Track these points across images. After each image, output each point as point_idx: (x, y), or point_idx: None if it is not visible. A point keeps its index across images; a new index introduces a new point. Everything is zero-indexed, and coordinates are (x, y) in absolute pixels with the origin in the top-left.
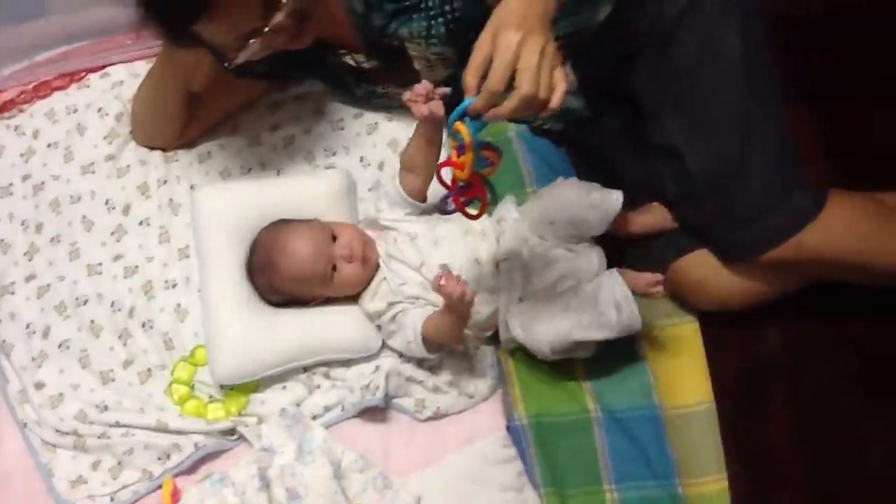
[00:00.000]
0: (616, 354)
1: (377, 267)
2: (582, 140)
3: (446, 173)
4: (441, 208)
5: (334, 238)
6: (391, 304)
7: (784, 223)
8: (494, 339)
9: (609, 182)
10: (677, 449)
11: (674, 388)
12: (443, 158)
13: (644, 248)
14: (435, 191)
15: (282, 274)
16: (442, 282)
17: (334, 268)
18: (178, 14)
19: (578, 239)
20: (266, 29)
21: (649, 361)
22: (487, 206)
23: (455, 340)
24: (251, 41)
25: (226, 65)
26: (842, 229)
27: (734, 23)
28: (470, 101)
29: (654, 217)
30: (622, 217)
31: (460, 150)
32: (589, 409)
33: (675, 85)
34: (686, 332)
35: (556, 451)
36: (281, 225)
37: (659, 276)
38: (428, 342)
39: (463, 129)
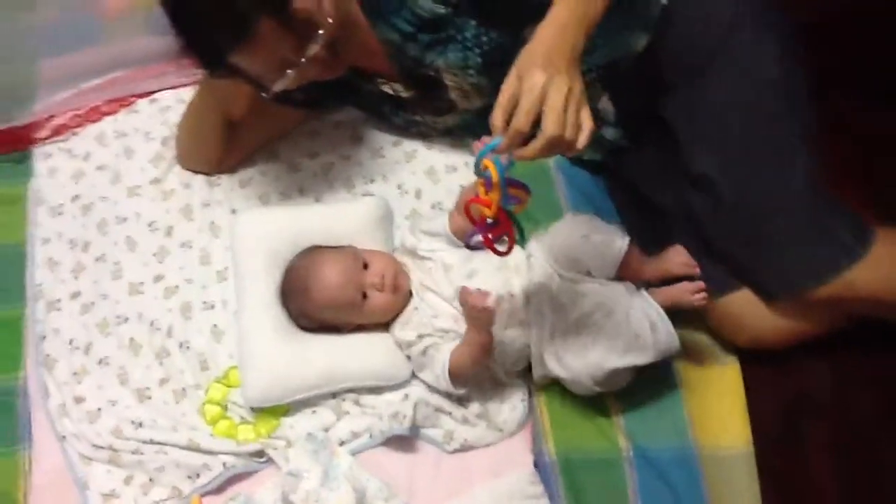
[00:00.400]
0: (651, 391)
1: (409, 296)
2: (620, 171)
3: (474, 210)
4: (468, 243)
5: (366, 266)
6: (421, 336)
7: (827, 260)
8: (527, 373)
9: (646, 213)
10: (713, 491)
11: (710, 430)
12: (471, 195)
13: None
14: None
15: (313, 300)
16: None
17: (365, 296)
18: (215, 44)
19: (589, 277)
20: (302, 60)
21: (686, 400)
22: (516, 243)
23: (479, 366)
24: (288, 72)
25: (263, 94)
26: (890, 268)
27: (771, 44)
28: (497, 140)
29: (670, 264)
30: (635, 263)
31: (488, 186)
32: (620, 447)
33: (710, 115)
34: (726, 372)
35: (584, 489)
36: (314, 251)
37: (700, 284)
38: (454, 376)
39: (491, 166)
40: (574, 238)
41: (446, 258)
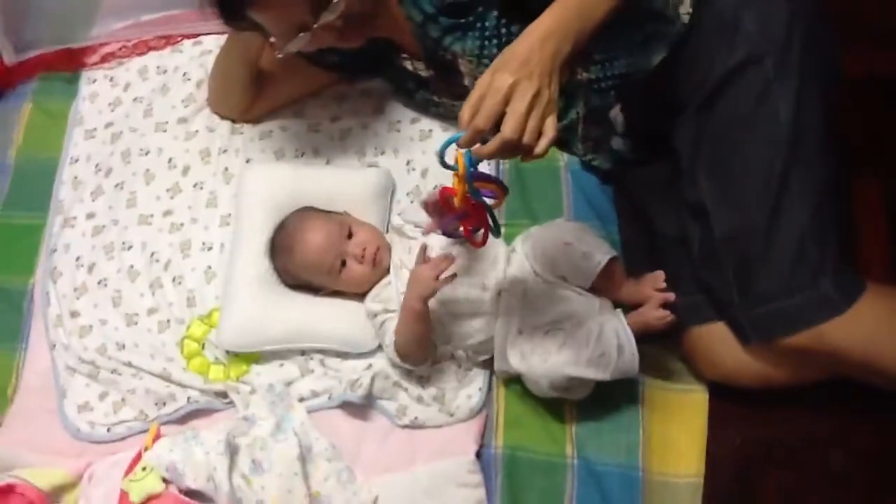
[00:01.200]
0: (611, 405)
1: (387, 271)
2: (626, 184)
3: (449, 199)
4: (444, 231)
5: (351, 235)
6: (386, 311)
7: (803, 310)
8: (490, 364)
9: (644, 229)
10: None
11: (665, 454)
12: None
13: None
14: None
15: (294, 259)
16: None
17: (343, 264)
18: None
19: (567, 283)
20: (315, 25)
21: (646, 421)
22: (491, 234)
23: (417, 340)
24: (300, 34)
25: (277, 53)
26: (872, 330)
27: (789, 87)
28: (460, 134)
29: (646, 289)
30: (614, 281)
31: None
32: (566, 454)
33: (713, 144)
34: (692, 400)
35: (522, 488)
36: (305, 212)
37: (664, 303)
38: (398, 349)
39: (460, 159)
40: (557, 243)
41: (429, 241)
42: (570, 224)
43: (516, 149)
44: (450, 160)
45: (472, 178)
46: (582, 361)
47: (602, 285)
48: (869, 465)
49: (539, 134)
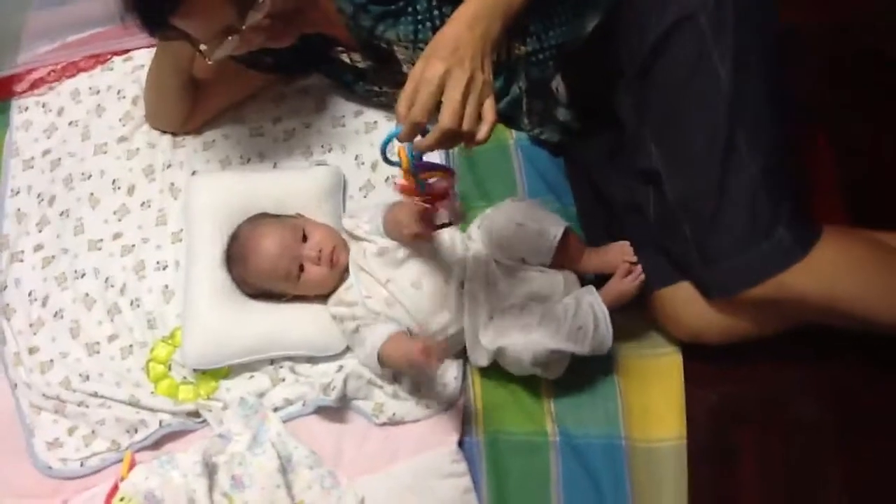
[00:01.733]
0: (586, 378)
1: (346, 272)
2: (576, 155)
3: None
4: (436, 224)
5: (306, 238)
6: (354, 317)
7: (761, 261)
8: (463, 353)
9: (599, 199)
10: (638, 484)
11: (645, 420)
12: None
13: None
14: None
15: (250, 268)
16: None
17: (301, 268)
18: (150, 9)
19: (528, 264)
20: (243, 27)
21: (622, 389)
22: (460, 215)
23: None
24: (229, 38)
25: (206, 60)
26: (831, 273)
27: (725, 43)
28: (399, 128)
29: (611, 257)
30: (574, 252)
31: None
32: (547, 432)
33: (657, 108)
34: (666, 364)
35: (507, 472)
36: (258, 220)
37: (635, 268)
38: (383, 364)
39: (402, 153)
40: (509, 225)
41: (382, 241)
42: (519, 204)
43: (457, 137)
44: (392, 156)
45: (417, 170)
46: (562, 334)
47: (563, 259)
48: (838, 409)
49: (478, 119)
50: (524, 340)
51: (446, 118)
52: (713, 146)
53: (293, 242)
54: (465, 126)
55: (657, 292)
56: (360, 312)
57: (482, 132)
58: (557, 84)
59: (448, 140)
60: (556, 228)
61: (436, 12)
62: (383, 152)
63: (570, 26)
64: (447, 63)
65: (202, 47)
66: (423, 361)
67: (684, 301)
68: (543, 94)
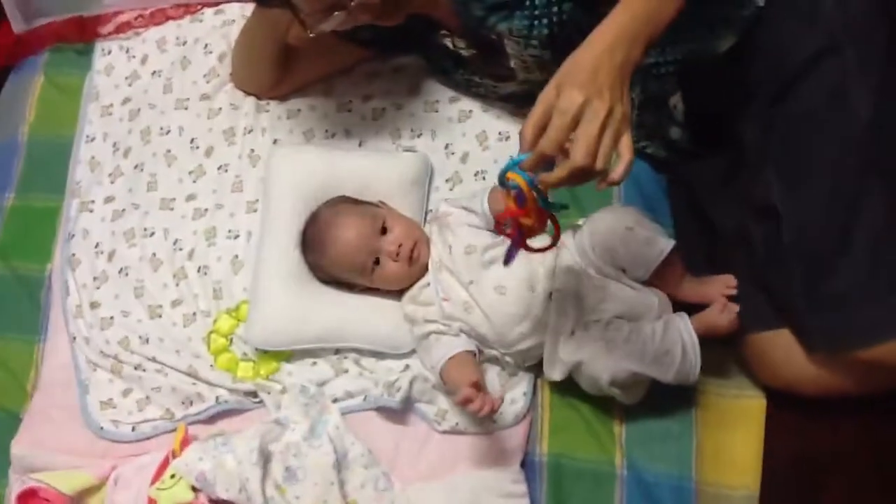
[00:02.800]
0: (663, 411)
1: (426, 267)
2: (683, 174)
3: (508, 223)
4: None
5: (385, 231)
6: (426, 319)
7: (879, 321)
8: (536, 367)
9: (702, 226)
10: None
11: (719, 465)
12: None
13: None
14: None
15: (325, 256)
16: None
17: (377, 261)
18: None
19: (624, 276)
20: (352, 3)
21: (700, 428)
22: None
23: None
24: (335, 13)
25: (308, 32)
26: None
27: (870, 81)
28: (524, 156)
29: (712, 290)
30: (674, 275)
31: (520, 199)
32: (615, 463)
33: (785, 140)
34: (748, 407)
35: (568, 497)
36: (338, 205)
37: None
38: (444, 381)
39: (518, 178)
40: (618, 227)
41: (471, 239)
42: (627, 208)
43: (588, 175)
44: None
45: (538, 192)
46: (647, 358)
47: (660, 278)
48: None
49: (610, 158)
50: (605, 358)
51: (580, 155)
52: (842, 189)
53: (372, 234)
54: (599, 164)
55: (753, 335)
56: (434, 315)
57: (618, 172)
58: (676, 101)
59: (578, 178)
60: (665, 242)
61: (554, 9)
62: (502, 177)
63: (701, 43)
64: (585, 93)
65: (304, 18)
66: (468, 402)
67: (783, 349)
68: (658, 110)
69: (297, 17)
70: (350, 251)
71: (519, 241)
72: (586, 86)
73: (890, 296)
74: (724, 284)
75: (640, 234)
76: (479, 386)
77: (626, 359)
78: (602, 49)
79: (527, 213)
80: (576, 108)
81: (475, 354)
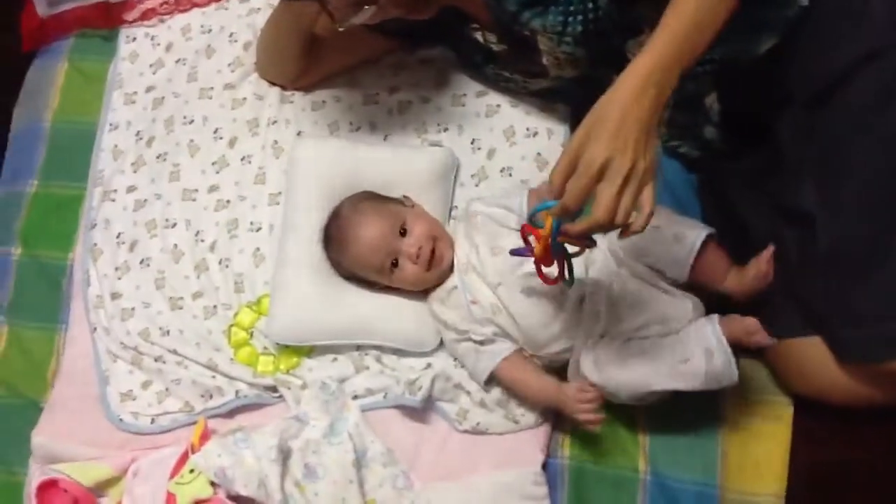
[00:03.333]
0: (688, 417)
1: (450, 269)
2: (715, 175)
3: (525, 233)
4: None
5: (405, 232)
6: (457, 325)
7: None
8: (559, 370)
9: (733, 228)
10: None
11: (744, 472)
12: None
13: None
14: None
15: (344, 254)
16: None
17: (396, 263)
18: None
19: (660, 278)
20: None
21: (725, 434)
22: (563, 282)
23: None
24: (366, 7)
25: (338, 26)
26: None
27: None
28: (553, 203)
29: (752, 280)
30: (716, 264)
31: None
32: (638, 469)
33: (824, 145)
34: (775, 413)
35: (590, 502)
36: (360, 201)
37: (758, 325)
38: (495, 381)
39: (548, 222)
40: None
41: (499, 240)
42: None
43: (609, 228)
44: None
45: (556, 240)
46: (663, 373)
47: (703, 274)
48: None
49: (630, 213)
50: (620, 378)
51: (600, 214)
52: (883, 196)
53: (391, 235)
54: (620, 220)
55: (784, 342)
56: (464, 319)
57: (638, 224)
58: (712, 102)
59: (598, 231)
60: (695, 234)
61: (590, 5)
62: (531, 217)
63: (741, 43)
64: (609, 150)
65: (333, 10)
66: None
67: (813, 356)
68: (693, 109)
69: (325, 9)
70: (368, 251)
71: (532, 254)
72: (609, 143)
73: None
74: (759, 265)
75: (668, 231)
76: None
77: (642, 378)
78: (629, 97)
79: (539, 242)
80: (598, 165)
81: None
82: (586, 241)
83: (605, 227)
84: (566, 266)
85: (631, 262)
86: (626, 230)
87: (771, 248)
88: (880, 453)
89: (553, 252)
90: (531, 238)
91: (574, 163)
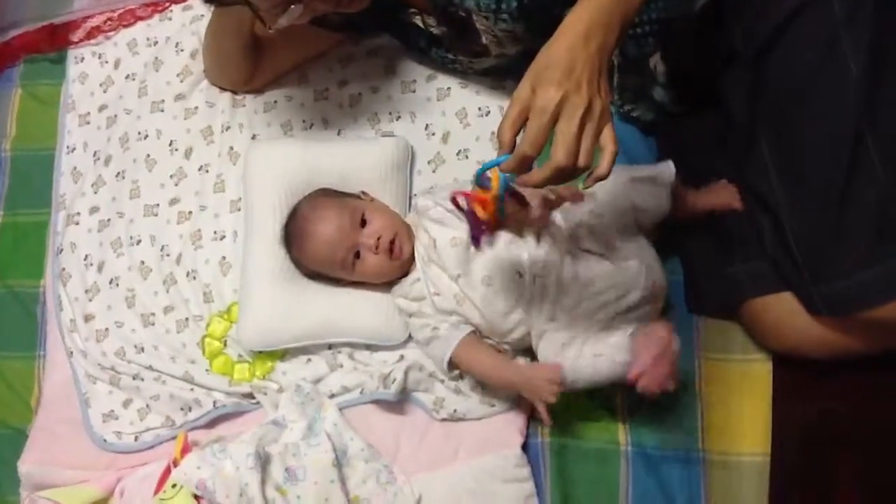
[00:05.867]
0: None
1: (411, 260)
2: (673, 137)
3: (464, 202)
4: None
5: (364, 223)
6: (422, 314)
7: (885, 281)
8: (531, 350)
9: (691, 182)
10: (715, 500)
11: (726, 432)
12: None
13: (723, 279)
14: None
15: (306, 251)
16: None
17: (358, 255)
18: None
19: (634, 231)
20: None
21: (704, 397)
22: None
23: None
24: (292, 6)
25: (268, 29)
26: None
27: (861, 35)
28: (503, 157)
29: (720, 197)
30: (684, 194)
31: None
32: (619, 441)
33: (773, 100)
34: (754, 371)
35: (573, 479)
36: (316, 199)
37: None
38: (454, 366)
39: (495, 177)
40: (619, 185)
41: (454, 232)
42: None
43: (571, 173)
44: (485, 180)
45: (503, 201)
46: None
47: (678, 206)
48: None
49: (592, 155)
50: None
51: (561, 155)
52: (838, 149)
53: (350, 228)
54: (582, 162)
55: (754, 300)
56: (428, 310)
57: (603, 166)
58: (656, 62)
59: (561, 177)
60: (665, 166)
61: None
62: (478, 178)
63: (677, 1)
64: (562, 89)
65: (262, 14)
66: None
67: (785, 312)
68: (640, 72)
69: (255, 13)
70: (329, 246)
71: (475, 225)
72: (562, 82)
73: (891, 258)
74: (724, 189)
75: (642, 174)
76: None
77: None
78: (577, 37)
79: (484, 204)
80: (553, 106)
81: (477, 332)
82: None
83: (568, 172)
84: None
85: (613, 217)
86: (589, 175)
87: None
88: (861, 403)
89: (499, 215)
90: (476, 207)
91: (524, 112)
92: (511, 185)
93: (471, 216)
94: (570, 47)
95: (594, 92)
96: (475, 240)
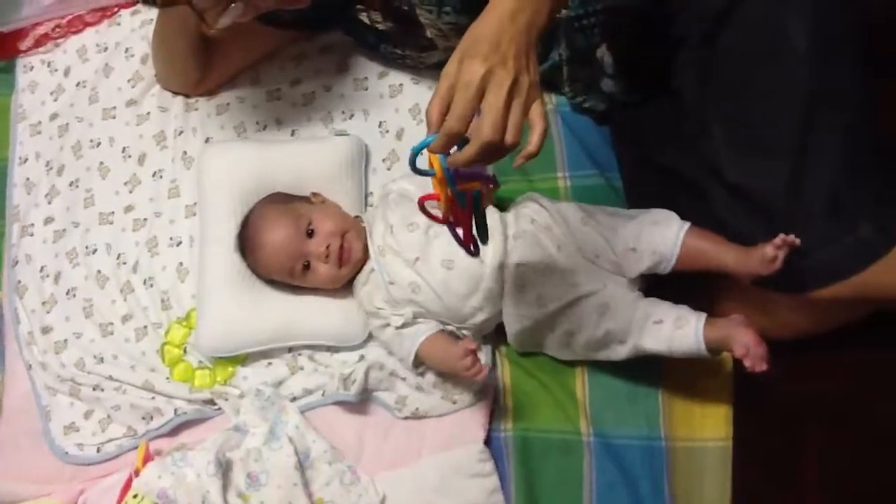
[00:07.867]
0: (627, 372)
1: (365, 258)
2: (626, 126)
3: (429, 206)
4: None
5: (312, 233)
6: (377, 308)
7: (839, 259)
8: (492, 340)
9: (652, 174)
10: (678, 487)
11: (689, 418)
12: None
13: None
14: None
15: (257, 260)
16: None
17: (308, 265)
18: None
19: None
20: None
21: (665, 383)
22: (473, 243)
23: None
24: (232, 5)
25: (210, 29)
26: None
27: (803, 8)
28: (432, 137)
29: (758, 263)
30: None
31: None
32: (580, 431)
33: (721, 83)
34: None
35: (537, 471)
36: (266, 206)
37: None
38: (421, 363)
39: (435, 162)
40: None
41: (412, 216)
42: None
43: (500, 150)
44: (422, 166)
45: (453, 180)
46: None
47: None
48: None
49: (520, 131)
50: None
51: (487, 129)
52: (787, 128)
53: (297, 238)
54: (510, 138)
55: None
56: (382, 304)
57: (533, 143)
58: (603, 53)
59: (489, 154)
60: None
61: None
62: (412, 162)
63: None
64: (488, 63)
65: (203, 14)
66: (467, 371)
67: (745, 294)
68: (587, 63)
69: (196, 13)
70: (277, 257)
71: (449, 226)
72: (488, 56)
73: (846, 234)
74: (766, 251)
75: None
76: (475, 351)
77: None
78: (503, 14)
79: (439, 199)
80: (478, 79)
81: (443, 331)
82: (487, 180)
83: (496, 148)
84: (476, 225)
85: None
86: (519, 153)
87: (783, 236)
88: (833, 384)
89: (457, 198)
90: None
91: (451, 89)
92: (449, 160)
93: (449, 225)
94: (497, 22)
95: (521, 67)
96: (465, 248)
